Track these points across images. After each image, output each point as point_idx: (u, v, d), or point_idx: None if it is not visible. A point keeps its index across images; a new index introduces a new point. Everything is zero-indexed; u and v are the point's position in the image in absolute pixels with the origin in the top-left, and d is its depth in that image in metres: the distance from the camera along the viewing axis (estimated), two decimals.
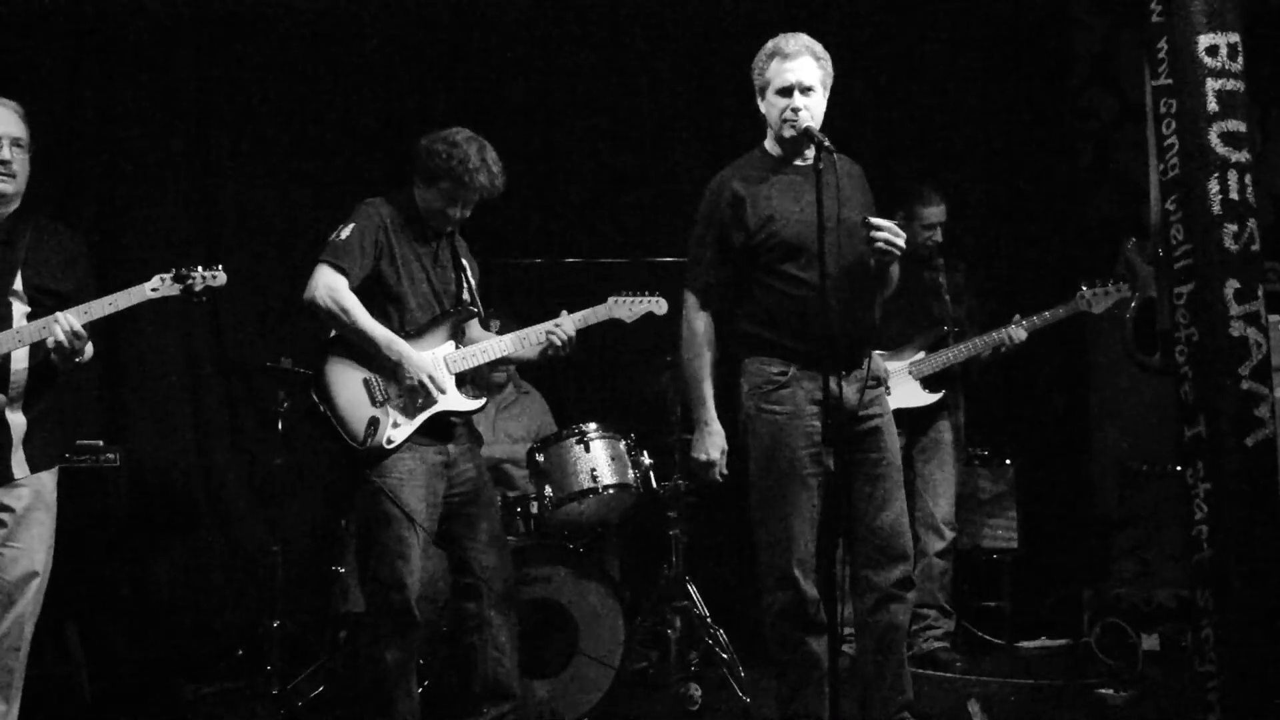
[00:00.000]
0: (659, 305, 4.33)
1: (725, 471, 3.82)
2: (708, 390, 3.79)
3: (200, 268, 3.78)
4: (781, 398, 3.69)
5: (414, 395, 3.85)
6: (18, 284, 3.69)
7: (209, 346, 5.81)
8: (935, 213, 5.39)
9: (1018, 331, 5.19)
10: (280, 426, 4.95)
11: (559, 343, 4.05)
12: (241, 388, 5.83)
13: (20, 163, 3.69)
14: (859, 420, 3.70)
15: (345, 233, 3.84)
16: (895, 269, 3.82)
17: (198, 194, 5.85)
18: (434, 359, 3.91)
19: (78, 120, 5.65)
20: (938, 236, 5.40)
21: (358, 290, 3.82)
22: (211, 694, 5.07)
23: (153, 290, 3.75)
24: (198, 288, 3.76)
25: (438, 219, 3.97)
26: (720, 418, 3.81)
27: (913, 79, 6.52)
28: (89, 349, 3.78)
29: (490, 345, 4.05)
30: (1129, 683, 4.67)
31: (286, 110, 5.96)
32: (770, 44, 3.75)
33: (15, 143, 3.66)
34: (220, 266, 3.82)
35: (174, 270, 3.76)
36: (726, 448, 3.80)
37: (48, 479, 3.80)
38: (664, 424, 5.06)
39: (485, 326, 4.30)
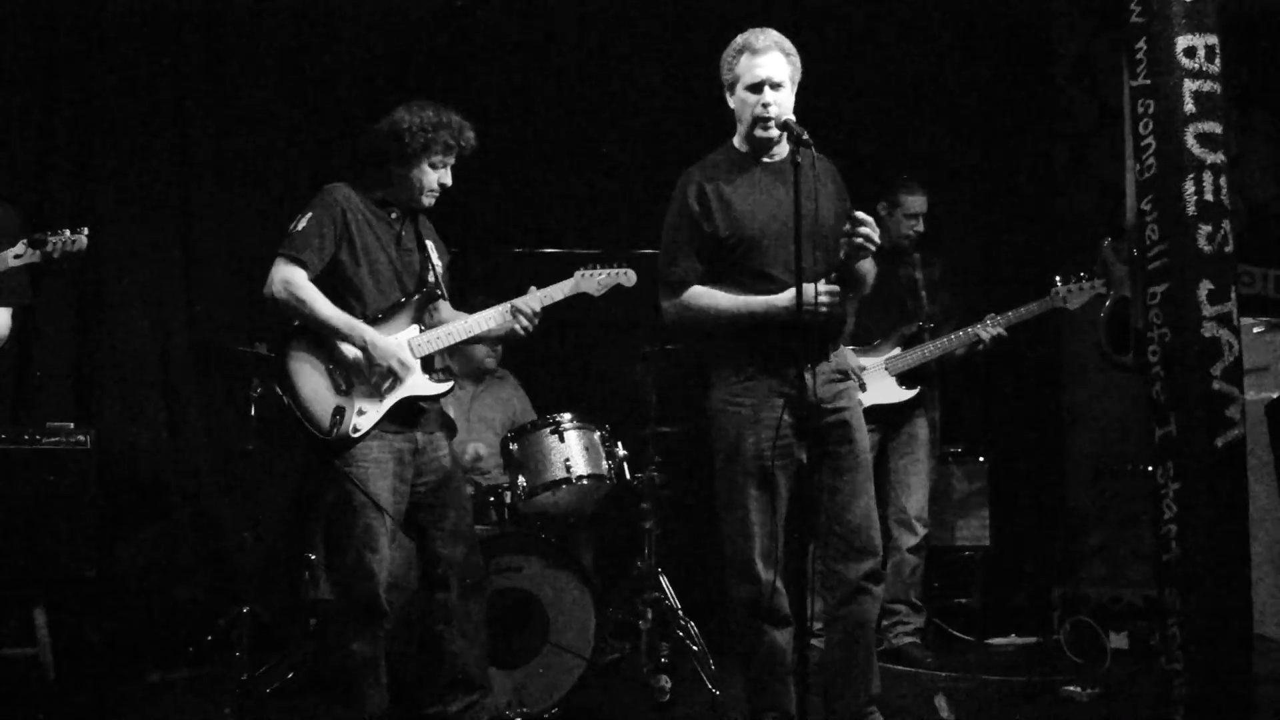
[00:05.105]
0: (627, 277, 4.25)
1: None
2: (746, 298, 3.67)
3: (67, 231, 3.72)
4: (747, 391, 3.68)
5: (381, 379, 3.82)
6: None
7: (182, 329, 5.77)
8: (918, 202, 5.41)
9: (992, 329, 5.21)
10: (253, 411, 4.92)
11: (525, 320, 3.99)
12: (215, 372, 5.79)
13: None
14: (826, 413, 3.70)
15: (302, 223, 3.80)
16: (869, 266, 3.81)
17: (173, 179, 5.81)
18: (398, 343, 3.87)
19: (53, 113, 5.60)
20: (920, 227, 5.42)
21: (318, 279, 3.79)
22: (179, 679, 5.04)
23: (15, 258, 3.70)
24: (56, 254, 3.71)
25: (417, 193, 3.90)
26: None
27: (893, 76, 6.53)
28: None
29: (455, 327, 3.99)
30: (1095, 681, 4.69)
31: (263, 96, 5.93)
32: (739, 39, 3.73)
33: None
34: (85, 231, 3.74)
35: (30, 236, 3.70)
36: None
37: None
38: (639, 415, 5.05)
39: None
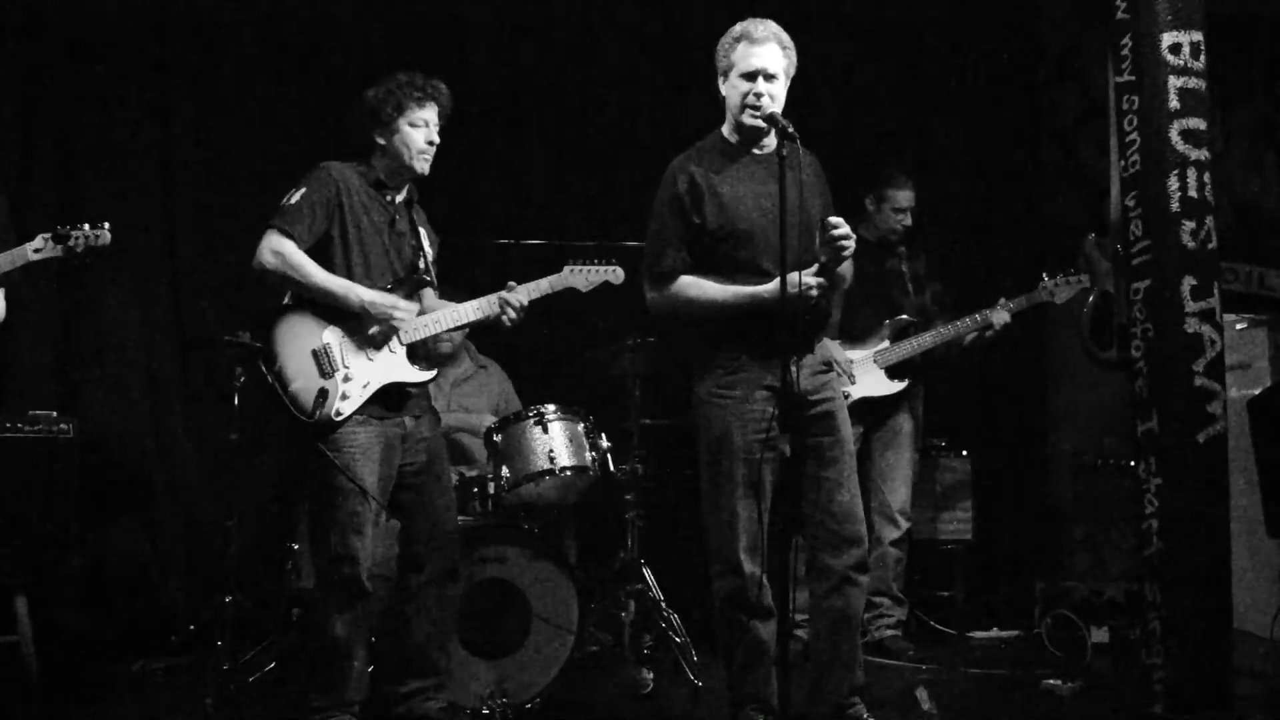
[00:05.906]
0: (615, 274, 4.25)
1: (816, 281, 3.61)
2: (735, 288, 3.66)
3: (87, 226, 3.71)
4: (732, 383, 3.69)
5: (380, 335, 3.82)
6: None
7: (166, 318, 5.75)
8: (905, 196, 5.40)
9: (1001, 314, 5.23)
10: (236, 400, 4.91)
11: (512, 313, 3.99)
12: (198, 360, 5.77)
13: None
14: (811, 405, 3.71)
15: (295, 197, 3.81)
16: (849, 266, 3.81)
17: (157, 169, 5.78)
18: (395, 297, 3.87)
19: (36, 99, 5.56)
20: (907, 220, 5.41)
21: (310, 256, 3.78)
22: (161, 669, 5.03)
23: (35, 251, 3.69)
24: (79, 249, 3.71)
25: (407, 158, 3.90)
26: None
27: (879, 71, 6.53)
28: None
29: (442, 315, 3.99)
30: (1076, 674, 4.71)
31: (247, 84, 5.91)
32: (738, 27, 3.73)
33: None
34: (107, 225, 3.72)
35: (54, 230, 3.69)
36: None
37: None
38: (623, 407, 5.05)
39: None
